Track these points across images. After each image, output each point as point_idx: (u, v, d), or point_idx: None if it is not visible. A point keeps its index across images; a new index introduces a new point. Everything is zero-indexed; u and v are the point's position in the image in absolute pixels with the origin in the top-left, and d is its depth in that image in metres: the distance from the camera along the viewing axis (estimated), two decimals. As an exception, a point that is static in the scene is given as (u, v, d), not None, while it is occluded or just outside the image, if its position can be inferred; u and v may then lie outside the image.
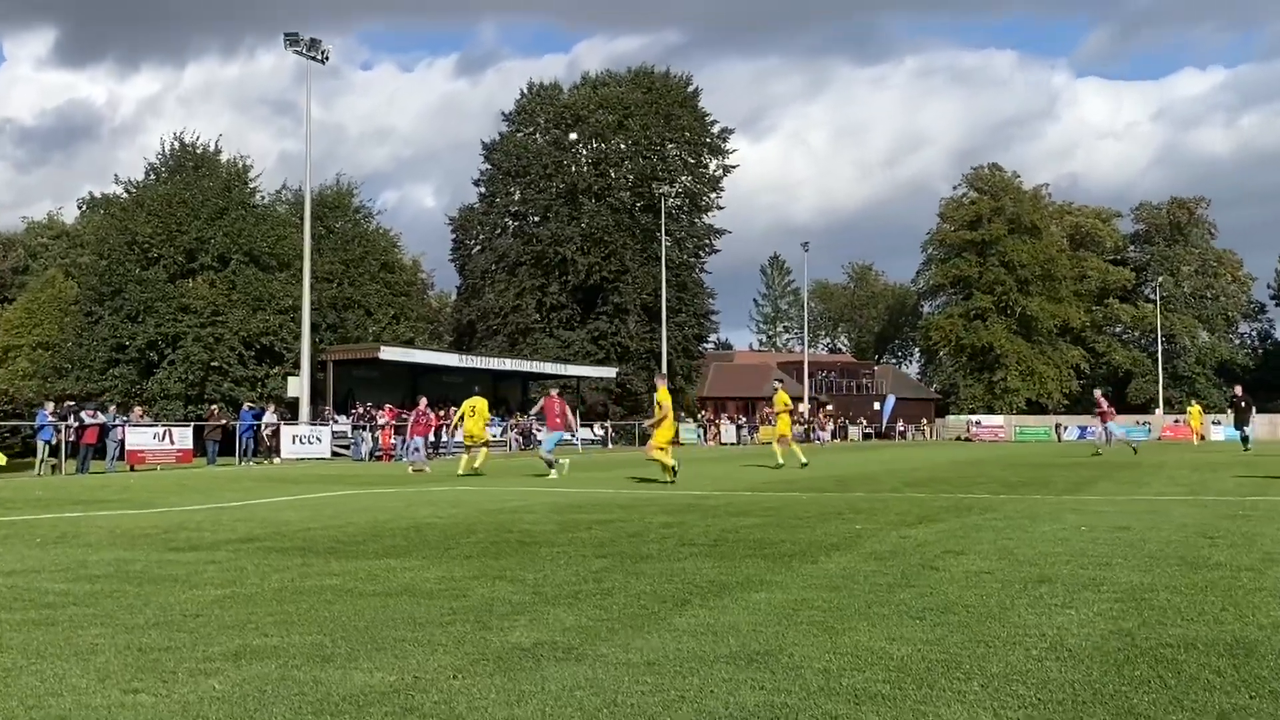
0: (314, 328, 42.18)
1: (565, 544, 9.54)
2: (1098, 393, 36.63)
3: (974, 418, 78.07)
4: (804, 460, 25.34)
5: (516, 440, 47.38)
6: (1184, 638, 5.33)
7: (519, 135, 67.12)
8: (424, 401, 28.15)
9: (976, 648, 5.20)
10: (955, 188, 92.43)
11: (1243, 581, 6.97)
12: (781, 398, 26.36)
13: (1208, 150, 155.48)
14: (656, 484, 18.89)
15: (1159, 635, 5.40)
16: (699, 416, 66.43)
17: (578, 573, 7.75)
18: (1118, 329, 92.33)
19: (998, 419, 78.08)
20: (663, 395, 19.81)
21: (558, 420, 22.53)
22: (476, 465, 23.18)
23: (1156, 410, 78.69)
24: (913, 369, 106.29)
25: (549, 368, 54.74)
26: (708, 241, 69.33)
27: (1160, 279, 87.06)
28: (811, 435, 65.77)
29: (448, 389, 43.70)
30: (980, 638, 5.41)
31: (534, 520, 11.91)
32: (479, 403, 24.14)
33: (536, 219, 66.27)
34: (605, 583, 7.26)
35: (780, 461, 24.94)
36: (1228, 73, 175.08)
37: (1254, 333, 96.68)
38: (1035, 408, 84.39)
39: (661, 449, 19.66)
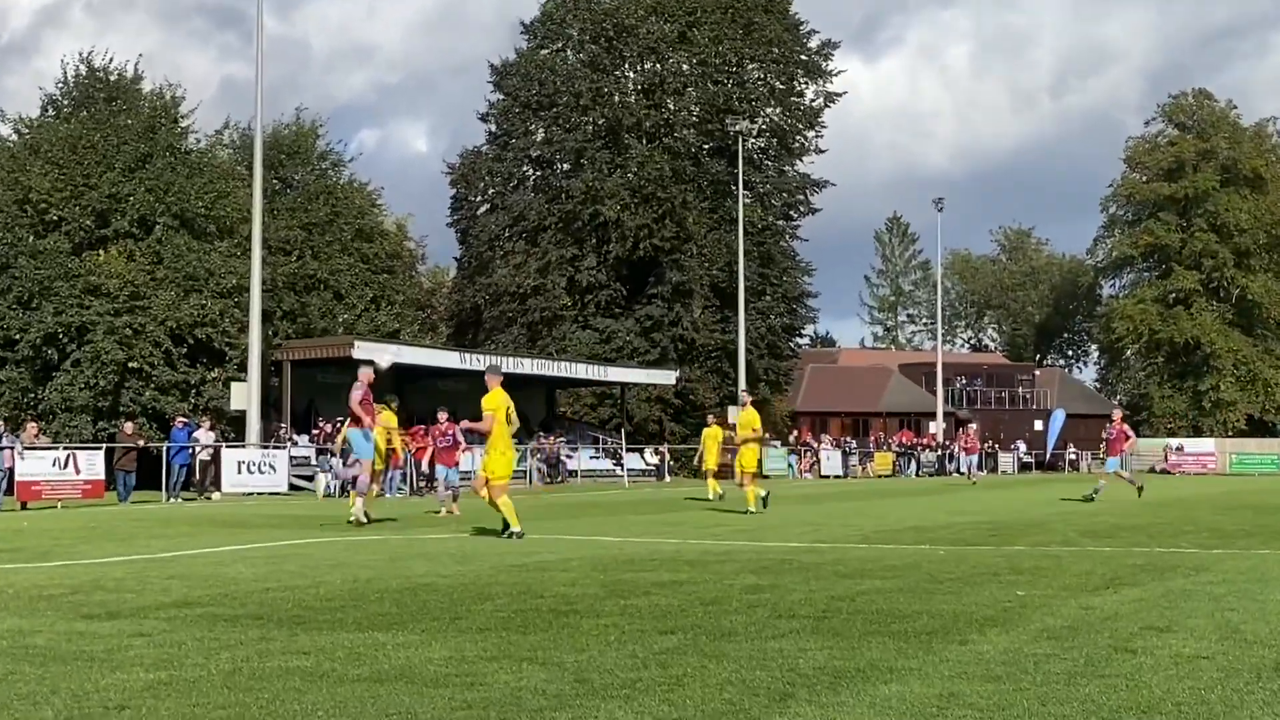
0: (266, 316, 42.41)
1: (616, 614, 9.56)
2: None
3: (1174, 441, 77.52)
4: (752, 508, 23.66)
5: (539, 471, 47.57)
6: None
7: (543, 54, 67.40)
8: (444, 415, 28.23)
9: (1196, 763, 5.17)
10: (1148, 124, 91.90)
11: None
12: (748, 417, 25.12)
13: None
14: (730, 520, 18.89)
15: None
16: (790, 439, 66.36)
17: (635, 654, 7.76)
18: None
19: (1207, 443, 77.46)
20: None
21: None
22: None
23: None
24: (1089, 374, 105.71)
25: (583, 370, 54.91)
26: (802, 197, 69.32)
27: None
28: (948, 464, 65.51)
29: (445, 399, 43.86)
30: (1202, 749, 5.37)
31: (571, 581, 11.94)
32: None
33: (566, 167, 66.52)
34: (673, 669, 7.27)
35: (720, 493, 24.09)
36: None
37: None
38: (1260, 427, 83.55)
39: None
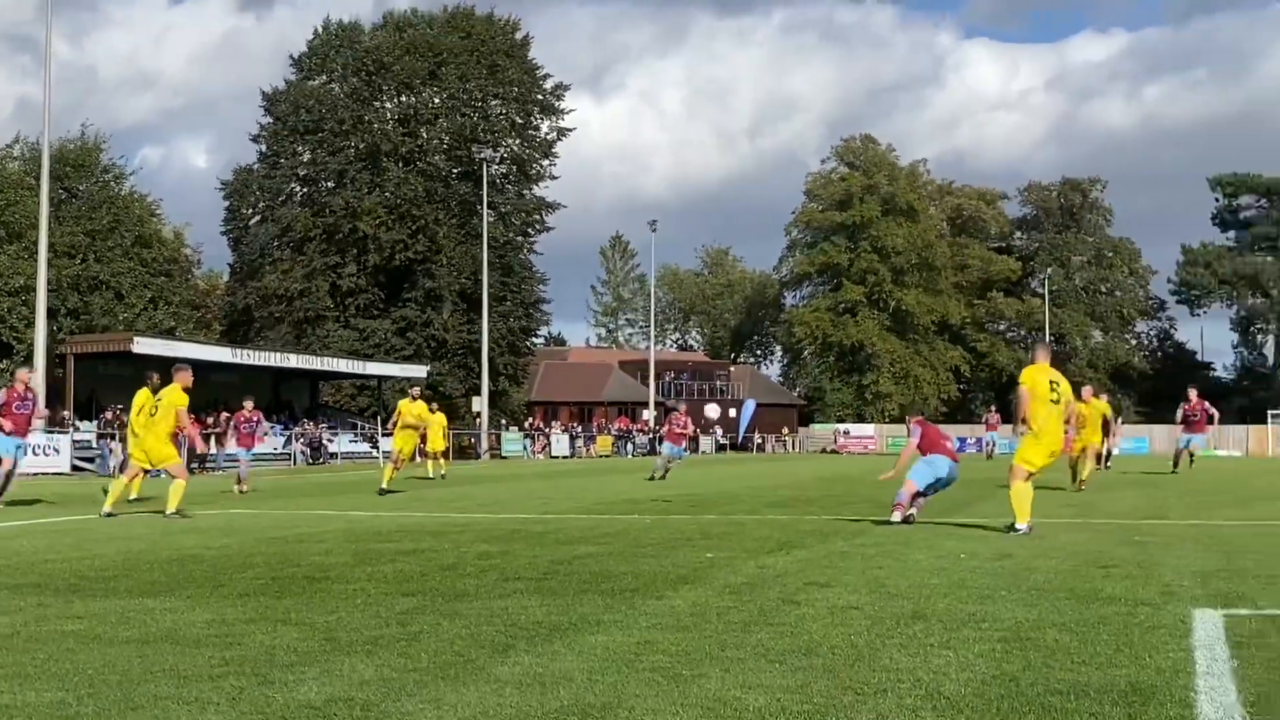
0: (51, 313, 40.85)
1: (364, 580, 9.42)
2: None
3: (842, 426, 79.95)
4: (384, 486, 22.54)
5: (303, 453, 46.56)
6: (1074, 683, 5.56)
7: (310, 84, 66.07)
8: (250, 404, 27.22)
9: (843, 695, 5.33)
10: (823, 162, 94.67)
11: (1139, 618, 7.30)
12: (411, 408, 25.30)
13: (1107, 125, 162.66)
14: (472, 495, 18.80)
15: (1046, 680, 5.61)
16: (526, 424, 66.42)
17: (379, 614, 7.67)
18: (1001, 326, 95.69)
19: (868, 428, 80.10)
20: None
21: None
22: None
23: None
24: (774, 370, 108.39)
25: (345, 364, 54.02)
26: (538, 217, 69.46)
27: (1049, 270, 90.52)
28: (658, 446, 66.32)
29: (218, 390, 42.67)
30: (847, 684, 5.54)
31: (325, 551, 11.73)
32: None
33: (330, 185, 65.34)
34: (412, 626, 7.20)
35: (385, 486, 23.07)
36: (1130, 36, 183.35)
37: (1152, 332, 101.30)
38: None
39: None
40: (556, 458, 58.38)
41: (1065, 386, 13.27)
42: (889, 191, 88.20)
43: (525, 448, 59.51)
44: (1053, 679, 5.64)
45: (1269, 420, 71.56)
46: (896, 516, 13.95)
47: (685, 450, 30.21)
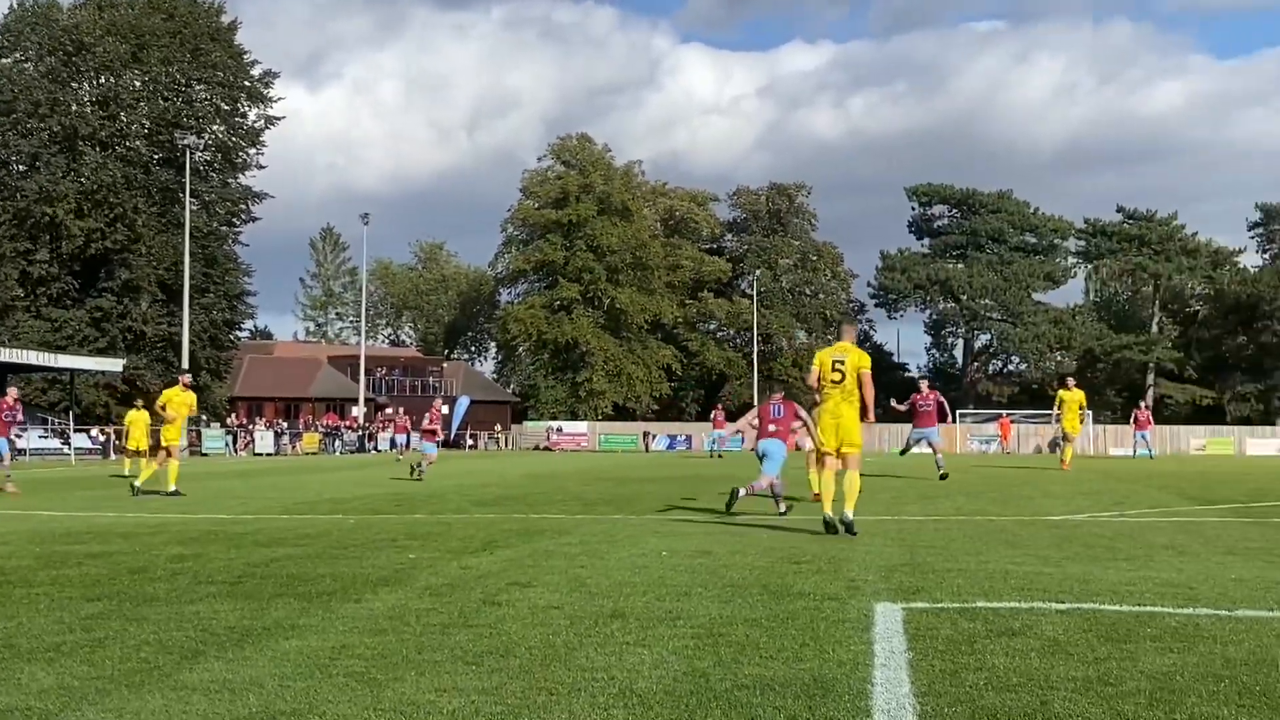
0: None
1: (46, 584, 9.04)
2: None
3: (555, 424, 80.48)
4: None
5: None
6: (760, 677, 5.77)
7: (2, 63, 62.55)
8: (14, 392, 25.38)
9: (538, 696, 5.40)
10: (540, 160, 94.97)
11: (825, 612, 7.62)
12: (184, 398, 23.72)
13: (814, 133, 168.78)
14: (169, 497, 18.17)
15: (734, 675, 5.81)
16: (229, 421, 64.51)
17: (61, 620, 7.37)
18: (712, 326, 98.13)
19: (581, 426, 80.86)
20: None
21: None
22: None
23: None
24: (488, 367, 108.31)
25: (34, 356, 51.26)
26: (244, 206, 67.53)
27: (758, 272, 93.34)
28: (368, 444, 65.44)
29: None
30: (542, 684, 5.61)
31: (8, 554, 11.17)
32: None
33: (22, 169, 62.01)
34: (97, 632, 6.95)
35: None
36: (837, 49, 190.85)
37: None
38: (623, 413, 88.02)
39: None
40: (260, 455, 56.86)
41: (852, 361, 12.61)
42: (604, 191, 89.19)
43: (228, 445, 57.77)
44: (741, 674, 5.84)
45: (957, 419, 75.62)
46: (779, 504, 15.28)
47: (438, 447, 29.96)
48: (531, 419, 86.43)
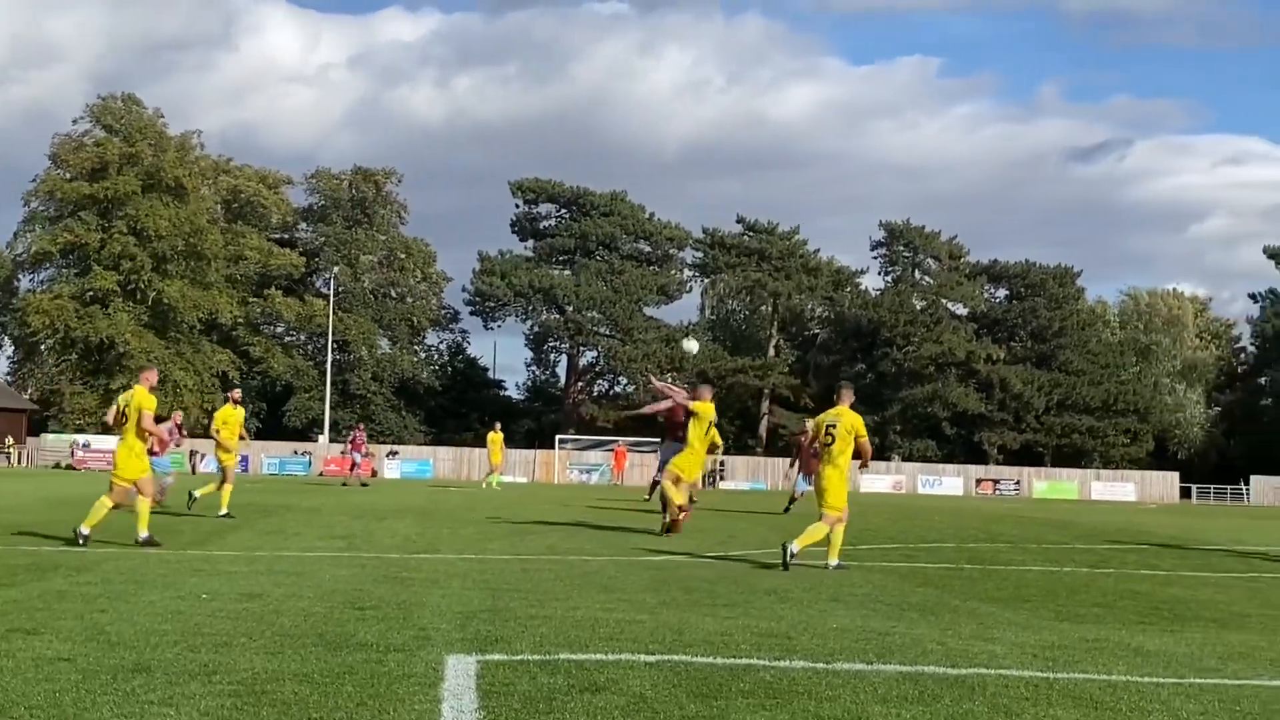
0: None
1: None
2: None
3: (82, 438, 77.01)
4: None
5: None
6: (306, 740, 5.72)
7: None
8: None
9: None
10: (75, 123, 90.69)
11: (389, 666, 7.64)
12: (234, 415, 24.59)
13: (411, 113, 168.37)
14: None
15: (277, 739, 5.75)
16: None
17: None
18: (279, 329, 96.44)
19: (112, 440, 77.71)
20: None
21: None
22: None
23: (320, 436, 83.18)
24: (1, 367, 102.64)
25: None
26: None
27: (336, 269, 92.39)
28: None
29: None
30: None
31: None
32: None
33: None
34: None
35: None
36: (443, 19, 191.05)
37: (443, 345, 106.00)
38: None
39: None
40: None
41: (845, 424, 15.25)
42: (153, 164, 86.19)
43: None
44: (284, 738, 5.78)
45: (556, 445, 77.06)
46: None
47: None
48: (54, 431, 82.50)
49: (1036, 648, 9.17)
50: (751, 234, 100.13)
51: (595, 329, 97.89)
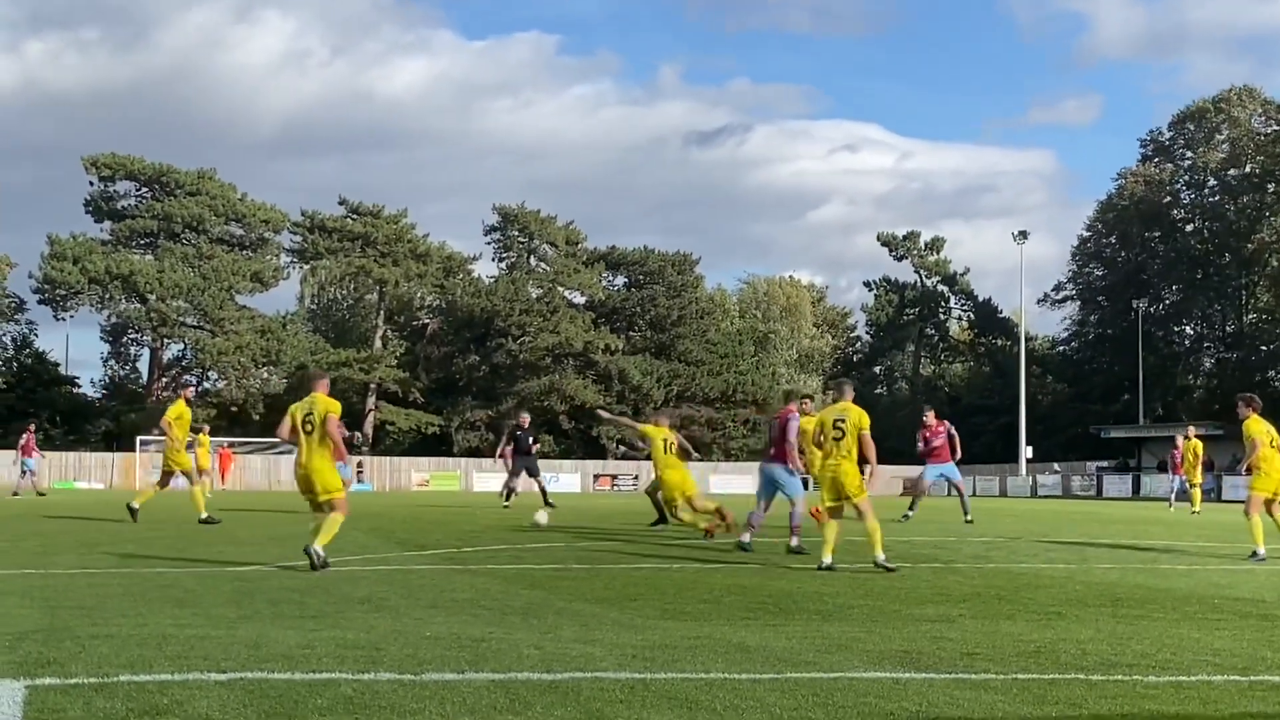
0: None
1: None
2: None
3: None
4: None
5: None
6: None
7: None
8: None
9: None
10: None
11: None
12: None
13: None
14: None
15: None
16: None
17: None
18: None
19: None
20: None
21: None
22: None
23: None
24: None
25: None
26: None
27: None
28: None
29: None
30: None
31: None
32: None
33: None
34: None
35: None
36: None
37: (8, 338, 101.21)
38: None
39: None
40: None
41: (852, 420, 15.97)
42: None
43: None
44: None
45: (138, 447, 74.45)
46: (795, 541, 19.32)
47: None
48: None
49: (637, 648, 9.39)
50: (355, 217, 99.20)
51: (181, 319, 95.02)
